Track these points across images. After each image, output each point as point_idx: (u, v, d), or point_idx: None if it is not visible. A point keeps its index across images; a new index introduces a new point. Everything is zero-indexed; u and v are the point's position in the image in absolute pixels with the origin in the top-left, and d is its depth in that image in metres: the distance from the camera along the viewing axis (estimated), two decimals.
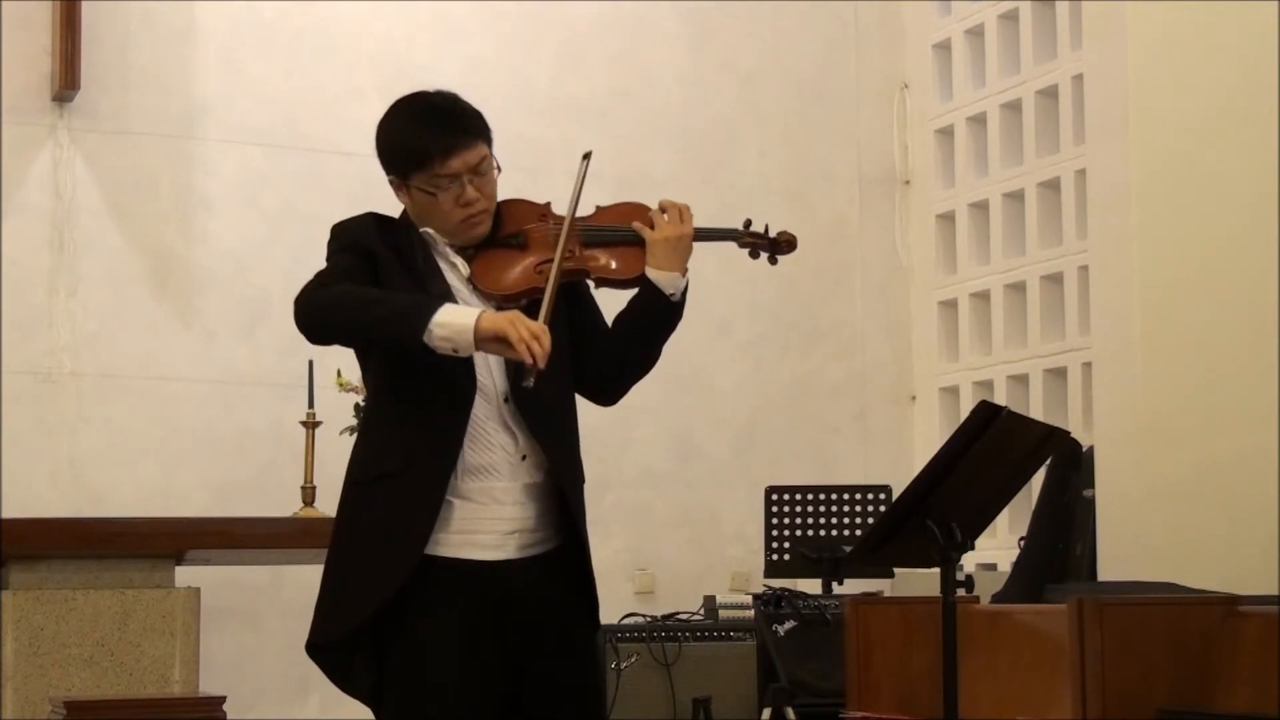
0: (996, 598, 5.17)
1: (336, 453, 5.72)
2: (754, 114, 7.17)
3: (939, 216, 7.16)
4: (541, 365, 3.04)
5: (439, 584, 3.17)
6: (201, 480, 6.19)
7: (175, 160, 6.33)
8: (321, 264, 6.81)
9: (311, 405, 5.70)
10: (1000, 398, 6.56)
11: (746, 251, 3.53)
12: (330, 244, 3.34)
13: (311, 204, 6.46)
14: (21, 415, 6.00)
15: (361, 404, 5.64)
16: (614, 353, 3.35)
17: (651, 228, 3.31)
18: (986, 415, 3.49)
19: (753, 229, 3.51)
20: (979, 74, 7.00)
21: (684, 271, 3.31)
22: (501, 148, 5.77)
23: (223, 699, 4.59)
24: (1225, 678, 3.56)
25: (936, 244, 7.16)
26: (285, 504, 5.69)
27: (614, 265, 3.32)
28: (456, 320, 3.07)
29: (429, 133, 3.25)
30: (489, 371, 3.23)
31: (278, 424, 6.18)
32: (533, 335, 3.04)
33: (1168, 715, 3.53)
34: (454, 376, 3.19)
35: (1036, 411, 6.32)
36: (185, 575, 5.35)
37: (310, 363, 5.70)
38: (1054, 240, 6.55)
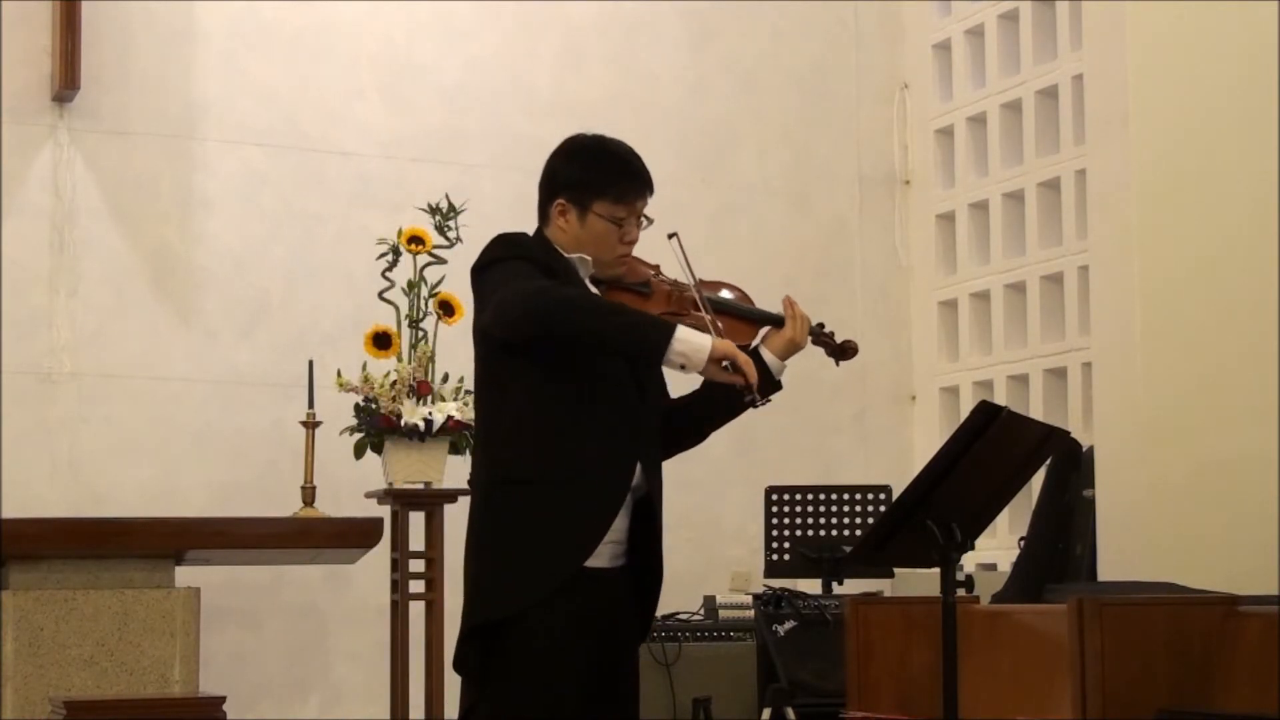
0: (996, 598, 5.17)
1: (336, 453, 5.74)
2: (754, 114, 7.16)
3: (939, 216, 7.16)
4: (756, 393, 3.43)
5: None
6: (201, 480, 6.19)
7: (175, 160, 6.32)
8: (320, 264, 6.79)
9: (311, 405, 5.69)
10: (1000, 398, 6.56)
11: (822, 349, 3.91)
12: (502, 250, 3.52)
13: (311, 204, 6.47)
14: (21, 415, 6.00)
15: (361, 404, 5.64)
16: (690, 417, 3.78)
17: (785, 314, 3.73)
18: (986, 415, 3.49)
19: (825, 331, 3.88)
20: (979, 74, 7.00)
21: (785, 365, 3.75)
22: (501, 148, 5.83)
23: (223, 699, 4.58)
24: (1225, 678, 3.56)
25: (936, 244, 7.16)
26: (285, 504, 5.68)
27: (729, 333, 3.61)
28: (696, 340, 3.36)
29: (635, 173, 3.59)
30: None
31: (278, 424, 6.18)
32: (750, 362, 3.42)
33: (1168, 715, 3.53)
34: (624, 401, 3.50)
35: (1036, 411, 6.32)
36: (185, 575, 5.35)
37: (310, 363, 5.70)
38: (1054, 240, 6.55)
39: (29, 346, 6.05)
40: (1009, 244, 6.80)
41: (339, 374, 5.70)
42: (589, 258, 3.56)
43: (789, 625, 5.29)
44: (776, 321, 3.75)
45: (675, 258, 3.61)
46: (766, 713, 5.21)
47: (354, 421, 5.67)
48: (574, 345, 3.41)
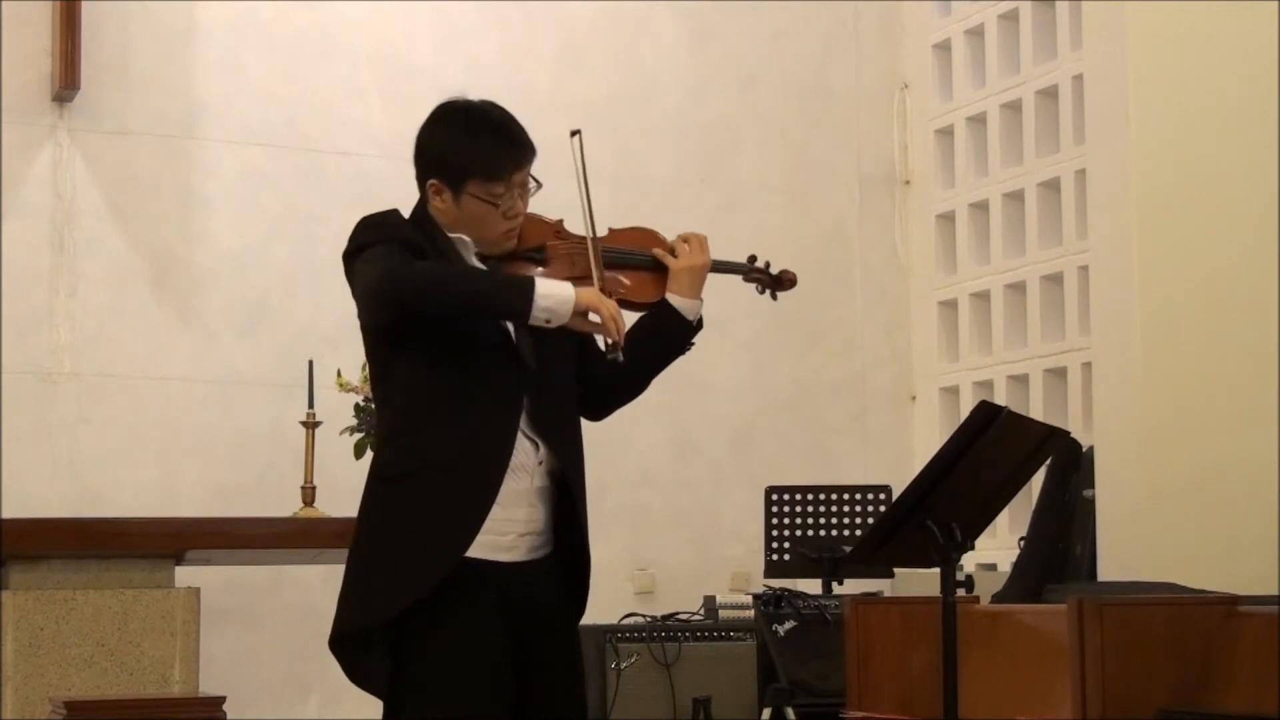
0: (996, 598, 5.17)
1: (336, 453, 5.74)
2: (754, 114, 7.16)
3: (939, 216, 7.16)
4: (621, 343, 3.25)
5: (461, 582, 3.23)
6: (201, 480, 6.18)
7: (175, 160, 6.32)
8: (321, 264, 6.78)
9: (311, 405, 5.70)
10: (1000, 398, 6.56)
11: (753, 286, 3.69)
12: (367, 234, 3.35)
13: (311, 204, 6.47)
14: (21, 415, 5.99)
15: (362, 404, 5.65)
16: (613, 373, 3.42)
17: (671, 254, 3.47)
18: (986, 415, 3.49)
19: (757, 265, 3.66)
20: (979, 74, 7.00)
21: (701, 299, 3.48)
22: None
23: (223, 699, 4.59)
24: (1225, 678, 3.56)
25: (936, 244, 7.16)
26: (285, 504, 5.69)
27: (633, 288, 3.44)
28: (558, 292, 3.20)
29: (502, 146, 3.34)
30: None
31: (278, 424, 6.17)
32: (617, 312, 3.25)
33: (1168, 715, 3.53)
34: (503, 377, 3.27)
35: (1036, 411, 6.31)
36: (185, 575, 5.35)
37: (310, 363, 5.70)
38: (1054, 240, 6.55)
39: (29, 346, 6.05)
40: (1009, 244, 6.79)
41: (339, 374, 5.70)
42: (468, 239, 3.35)
43: (789, 625, 5.29)
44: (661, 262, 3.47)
45: (575, 164, 3.37)
46: (766, 713, 5.21)
47: (354, 421, 5.67)
48: (441, 321, 3.25)
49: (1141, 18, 5.28)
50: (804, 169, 7.22)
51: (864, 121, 7.33)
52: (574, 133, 3.42)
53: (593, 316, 3.24)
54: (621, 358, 3.26)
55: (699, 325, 3.49)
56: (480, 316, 3.26)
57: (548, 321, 3.20)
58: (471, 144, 3.34)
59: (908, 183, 7.34)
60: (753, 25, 7.17)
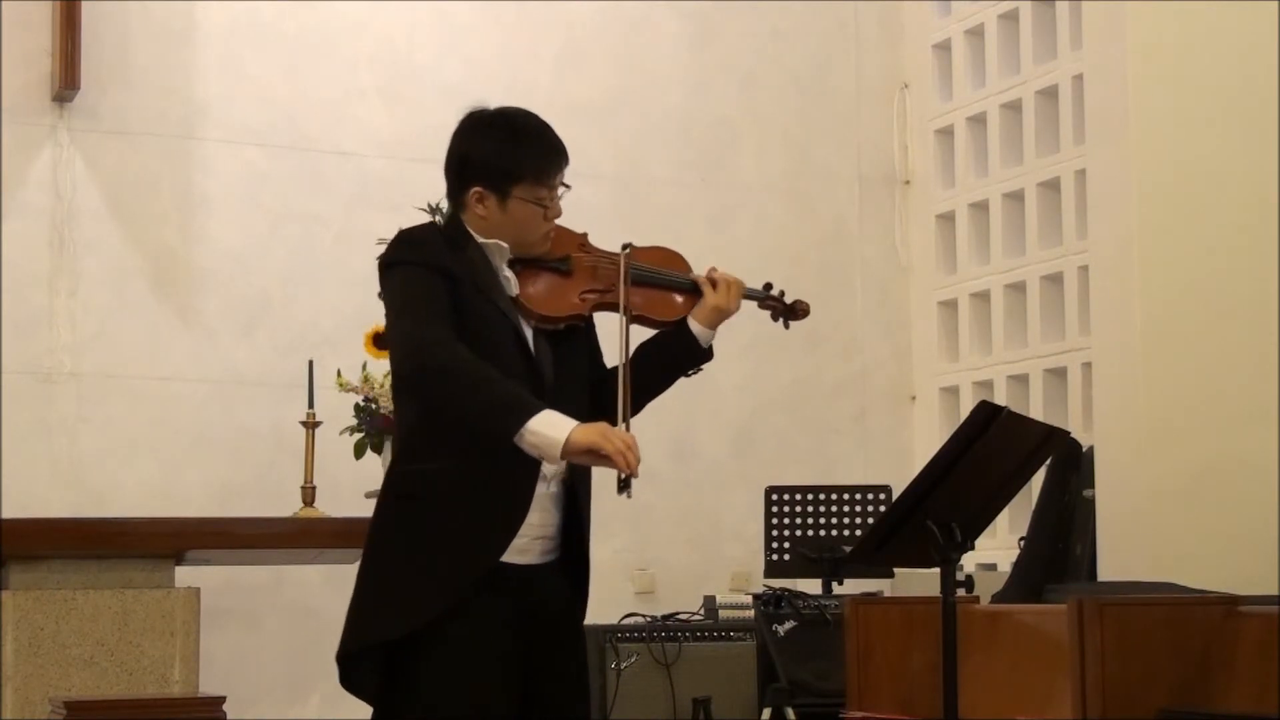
0: (996, 598, 5.17)
1: (336, 453, 5.74)
2: (754, 114, 7.16)
3: (939, 216, 7.16)
4: (636, 475, 3.21)
5: (480, 584, 3.27)
6: (201, 480, 6.19)
7: (175, 160, 6.32)
8: (321, 264, 6.79)
9: (311, 405, 5.70)
10: (1000, 398, 6.56)
11: (768, 313, 3.75)
12: (403, 252, 3.37)
13: (311, 204, 6.47)
14: (21, 415, 6.00)
15: (362, 404, 5.65)
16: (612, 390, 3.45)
17: (699, 282, 3.53)
18: (986, 415, 3.49)
19: (772, 293, 3.72)
20: (979, 74, 7.00)
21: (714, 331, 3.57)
22: None
23: (223, 699, 4.59)
24: (1225, 678, 3.55)
25: (936, 244, 7.16)
26: (285, 504, 5.69)
27: (653, 307, 3.51)
28: (549, 433, 3.17)
29: (547, 149, 3.41)
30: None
31: (278, 424, 6.18)
32: (627, 446, 3.20)
33: (1168, 715, 3.53)
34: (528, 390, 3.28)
35: (1036, 411, 6.31)
36: (185, 575, 5.35)
37: (310, 363, 5.70)
38: (1054, 240, 6.55)
39: (29, 346, 6.05)
40: (1009, 244, 6.79)
41: (339, 374, 5.70)
42: (506, 244, 3.39)
43: (789, 625, 5.29)
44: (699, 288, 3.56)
45: (620, 273, 3.44)
46: (766, 713, 5.21)
47: (354, 421, 5.67)
48: (442, 410, 3.27)
49: (1141, 18, 5.28)
50: (804, 169, 7.23)
51: (864, 121, 7.33)
52: (625, 246, 3.50)
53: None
54: (630, 496, 3.25)
55: (710, 354, 3.56)
56: (474, 426, 3.25)
57: (537, 456, 3.21)
58: (519, 149, 3.40)
59: (908, 183, 7.34)
60: (753, 25, 7.17)
